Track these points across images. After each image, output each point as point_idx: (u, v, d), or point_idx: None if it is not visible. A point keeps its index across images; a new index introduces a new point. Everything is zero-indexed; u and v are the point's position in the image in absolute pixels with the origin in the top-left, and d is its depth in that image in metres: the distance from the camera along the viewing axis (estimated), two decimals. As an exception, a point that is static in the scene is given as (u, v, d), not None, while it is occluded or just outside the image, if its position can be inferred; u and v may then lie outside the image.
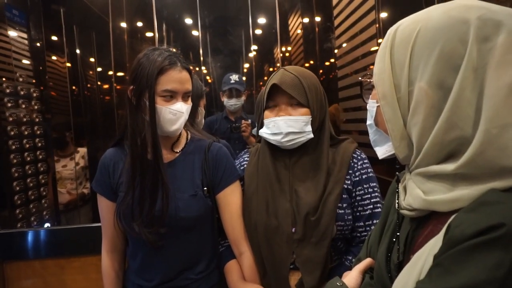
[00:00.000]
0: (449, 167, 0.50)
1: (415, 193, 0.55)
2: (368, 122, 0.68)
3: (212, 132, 2.36)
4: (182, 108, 1.00)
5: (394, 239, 0.64)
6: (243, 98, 2.41)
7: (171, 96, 0.99)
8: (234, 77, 2.38)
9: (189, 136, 1.12)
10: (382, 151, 0.66)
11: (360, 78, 0.69)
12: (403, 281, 0.52)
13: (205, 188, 1.05)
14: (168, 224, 1.00)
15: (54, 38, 2.40)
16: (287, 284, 0.99)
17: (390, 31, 0.58)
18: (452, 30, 0.50)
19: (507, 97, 0.46)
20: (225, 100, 2.42)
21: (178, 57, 1.01)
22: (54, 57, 2.37)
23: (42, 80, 2.19)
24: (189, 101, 1.04)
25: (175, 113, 0.99)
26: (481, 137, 0.47)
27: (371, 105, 0.66)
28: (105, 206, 1.08)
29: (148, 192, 0.99)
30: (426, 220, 0.56)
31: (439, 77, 0.50)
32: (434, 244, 0.49)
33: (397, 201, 0.61)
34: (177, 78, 0.99)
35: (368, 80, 0.66)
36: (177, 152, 1.09)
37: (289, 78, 1.01)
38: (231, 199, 1.08)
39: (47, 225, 1.94)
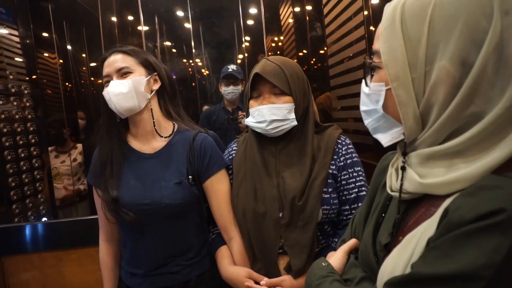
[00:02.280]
0: (453, 142, 0.49)
1: (410, 177, 0.54)
2: (366, 108, 0.61)
3: (210, 123, 2.39)
4: (115, 83, 1.04)
5: (381, 220, 0.64)
6: (240, 87, 2.43)
7: (108, 80, 1.06)
8: (232, 67, 2.40)
9: (175, 127, 1.15)
10: (388, 138, 0.59)
11: (364, 60, 0.61)
12: (393, 263, 0.52)
13: (190, 177, 1.08)
14: (153, 211, 1.04)
15: (44, 34, 2.40)
16: (277, 267, 1.03)
17: (395, 6, 0.54)
18: (474, 3, 0.47)
19: None
20: (223, 89, 2.44)
21: (120, 46, 1.09)
22: (45, 54, 2.37)
23: (34, 77, 2.20)
24: (131, 75, 1.06)
25: (112, 91, 1.03)
26: (497, 113, 0.46)
27: (376, 89, 0.58)
28: (99, 197, 1.11)
29: (108, 179, 1.07)
30: (417, 203, 0.56)
31: (461, 54, 0.48)
32: (428, 227, 0.49)
33: (394, 182, 0.59)
34: (108, 63, 1.07)
35: (371, 61, 0.58)
36: (163, 141, 1.12)
37: (271, 67, 1.03)
38: (218, 187, 1.11)
39: (44, 219, 1.97)
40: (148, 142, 1.12)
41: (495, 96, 0.47)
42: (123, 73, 1.06)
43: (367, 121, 0.62)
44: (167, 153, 1.10)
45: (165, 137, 1.12)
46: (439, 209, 0.49)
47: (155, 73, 1.11)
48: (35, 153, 2.04)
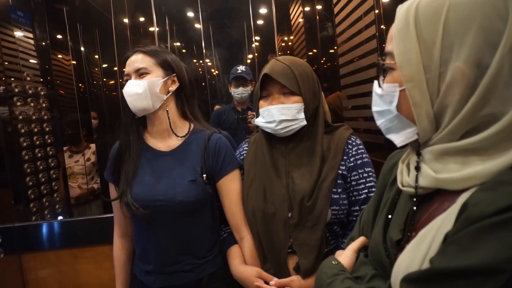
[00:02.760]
0: (469, 140, 0.50)
1: (425, 172, 0.55)
2: (379, 109, 0.61)
3: (220, 123, 2.42)
4: (131, 84, 1.08)
5: (390, 218, 0.64)
6: (250, 88, 2.45)
7: (127, 79, 1.10)
8: (241, 68, 2.42)
9: (191, 127, 1.17)
10: (401, 138, 0.59)
11: (377, 61, 0.61)
12: (409, 259, 0.52)
13: (204, 175, 1.10)
14: (166, 208, 1.06)
15: (58, 36, 2.45)
16: (286, 267, 1.03)
17: (409, 8, 0.54)
18: (489, 6, 0.48)
19: None
20: (232, 90, 2.46)
21: (144, 47, 1.12)
22: (59, 56, 2.42)
23: (48, 78, 2.25)
24: (147, 76, 1.09)
25: (127, 92, 1.07)
26: None
27: (389, 89, 0.58)
28: (115, 193, 1.15)
29: (124, 173, 1.10)
30: (429, 198, 0.56)
31: (477, 55, 0.49)
32: (444, 222, 0.49)
33: (406, 177, 0.59)
34: (128, 62, 1.10)
35: (385, 62, 0.59)
36: (179, 137, 1.14)
37: (279, 67, 1.04)
38: (230, 186, 1.13)
39: (60, 217, 2.02)
40: (164, 140, 1.15)
41: (511, 97, 0.48)
42: (140, 73, 1.09)
43: (380, 122, 0.63)
44: (182, 151, 1.13)
45: (180, 137, 1.15)
46: (455, 203, 0.49)
47: (174, 74, 1.13)
48: (51, 153, 2.09)
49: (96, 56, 2.60)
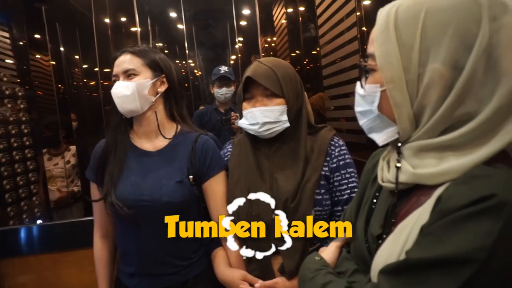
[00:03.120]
0: (446, 137, 0.52)
1: (404, 168, 0.57)
2: (361, 109, 0.63)
3: (202, 124, 2.41)
4: (120, 84, 1.07)
5: (371, 213, 0.66)
6: (233, 88, 2.44)
7: (115, 80, 1.09)
8: (224, 68, 2.41)
9: (178, 128, 1.17)
10: (383, 137, 0.62)
11: (358, 63, 0.64)
12: (387, 252, 0.54)
13: (191, 176, 1.10)
14: (152, 208, 1.05)
15: (37, 36, 2.40)
16: (271, 269, 1.04)
17: (389, 12, 0.57)
18: (464, 10, 0.51)
19: None
20: (215, 90, 2.45)
21: (132, 47, 1.11)
22: (38, 56, 2.37)
23: (26, 79, 2.20)
24: (135, 78, 1.08)
25: (115, 94, 1.07)
26: (489, 112, 0.49)
27: (371, 90, 0.60)
28: (97, 192, 1.14)
29: (112, 175, 1.09)
30: (407, 194, 0.58)
31: (453, 57, 0.51)
32: (420, 215, 0.51)
33: (386, 174, 0.62)
34: (117, 63, 1.09)
35: (367, 64, 0.61)
36: (166, 139, 1.14)
37: (262, 69, 1.04)
38: (216, 188, 1.13)
39: (39, 221, 1.97)
40: (151, 141, 1.14)
41: (485, 97, 0.50)
42: (128, 74, 1.08)
43: (362, 121, 0.65)
44: (169, 152, 1.12)
45: (168, 138, 1.14)
46: (431, 197, 0.51)
47: (163, 75, 1.13)
48: (29, 155, 2.04)
49: (77, 57, 2.55)
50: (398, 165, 0.58)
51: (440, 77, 0.52)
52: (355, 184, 1.07)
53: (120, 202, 1.05)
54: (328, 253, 0.74)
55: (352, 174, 1.08)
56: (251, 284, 1.02)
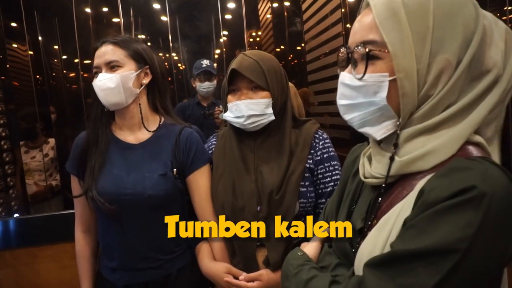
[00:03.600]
0: (429, 121, 0.54)
1: (386, 161, 0.57)
2: (353, 101, 0.59)
3: (184, 118, 2.38)
4: (103, 77, 1.04)
5: (353, 208, 0.67)
6: (215, 81, 2.42)
7: (96, 72, 1.06)
8: (206, 62, 2.39)
9: (161, 120, 1.15)
10: (382, 130, 0.58)
11: (363, 48, 0.56)
12: (372, 244, 0.55)
13: (175, 170, 1.08)
14: (134, 202, 1.04)
15: (13, 24, 2.31)
16: (255, 261, 1.04)
17: None
18: (465, 5, 0.53)
19: (496, 74, 0.54)
20: (197, 84, 2.42)
21: (113, 37, 1.08)
22: (14, 45, 2.28)
23: (2, 68, 2.11)
24: (120, 70, 1.06)
25: (99, 86, 1.04)
26: (466, 102, 0.53)
27: (377, 79, 0.56)
28: (77, 186, 1.11)
29: (93, 169, 1.07)
30: (389, 188, 0.59)
31: (459, 49, 0.53)
32: (403, 208, 0.52)
33: (368, 169, 0.62)
34: (98, 54, 1.06)
35: (375, 50, 0.56)
36: (150, 132, 1.12)
37: (247, 62, 1.04)
38: (200, 182, 1.12)
39: (16, 215, 1.91)
40: (134, 133, 1.12)
41: (466, 89, 0.54)
42: (112, 66, 1.05)
43: (353, 115, 0.60)
44: (152, 145, 1.10)
45: (151, 131, 1.12)
46: (413, 191, 0.53)
47: (146, 67, 1.10)
48: (5, 147, 1.97)
49: (56, 47, 2.47)
50: (391, 158, 0.58)
51: (450, 67, 0.53)
52: (338, 176, 1.08)
53: (102, 196, 1.03)
54: (311, 248, 0.75)
55: (336, 167, 1.09)
56: (236, 277, 1.02)
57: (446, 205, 0.46)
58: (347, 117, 0.62)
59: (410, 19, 0.53)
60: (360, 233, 0.62)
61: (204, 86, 2.40)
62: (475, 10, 0.53)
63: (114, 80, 1.03)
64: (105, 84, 1.03)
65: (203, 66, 2.37)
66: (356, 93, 0.58)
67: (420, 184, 0.52)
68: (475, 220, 0.44)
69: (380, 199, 0.60)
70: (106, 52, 1.05)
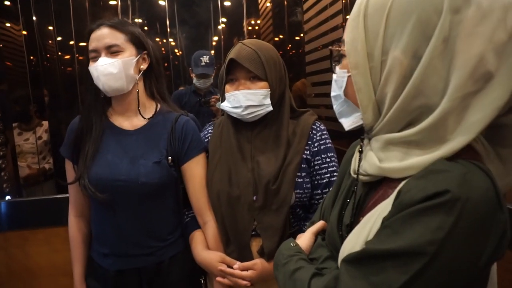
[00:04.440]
0: (408, 132, 0.53)
1: (371, 160, 0.58)
2: (334, 93, 0.66)
3: (181, 106, 2.36)
4: (104, 61, 1.01)
5: (347, 203, 0.68)
6: (212, 78, 2.42)
7: (95, 56, 1.03)
8: (205, 59, 2.35)
9: (158, 107, 1.13)
10: (349, 123, 0.64)
11: (330, 48, 0.65)
12: (353, 241, 0.56)
13: (170, 158, 1.07)
14: (128, 189, 1.03)
15: (6, 3, 2.25)
16: (249, 250, 1.05)
17: (362, 0, 0.58)
18: (428, 0, 0.51)
19: (474, 68, 0.48)
20: (194, 79, 2.41)
21: (110, 20, 1.05)
22: (8, 24, 2.23)
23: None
24: (121, 55, 1.03)
25: (99, 69, 1.01)
26: (446, 105, 0.49)
27: (341, 75, 0.63)
28: (72, 170, 1.09)
29: (86, 156, 1.05)
30: (378, 185, 0.60)
31: (413, 46, 0.51)
32: (384, 208, 0.52)
33: (357, 165, 0.63)
34: (96, 36, 1.03)
35: (338, 49, 0.63)
36: (145, 119, 1.10)
37: (246, 52, 1.02)
38: (196, 170, 1.11)
39: (8, 197, 1.89)
40: (129, 120, 1.10)
41: (444, 88, 0.50)
42: (112, 51, 1.02)
43: (334, 106, 0.67)
44: (148, 131, 1.09)
45: (147, 118, 1.11)
46: (395, 191, 0.53)
47: (145, 52, 1.08)
48: (-2, 128, 1.94)
49: (51, 28, 2.42)
50: (360, 151, 0.59)
51: (399, 65, 0.52)
52: (335, 168, 1.08)
53: (96, 182, 1.02)
54: (304, 239, 0.76)
55: (333, 159, 1.09)
56: (230, 266, 1.03)
57: (419, 208, 0.46)
58: (333, 107, 0.68)
59: (366, 19, 0.56)
60: (348, 229, 0.63)
61: (200, 82, 2.39)
62: (441, 2, 0.50)
63: (116, 66, 1.01)
64: (107, 69, 1.00)
65: (201, 64, 2.34)
66: (335, 86, 0.65)
67: (401, 184, 0.52)
68: (446, 224, 0.44)
69: (365, 195, 0.62)
70: (105, 35, 1.02)
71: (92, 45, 1.03)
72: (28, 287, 1.53)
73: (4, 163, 1.98)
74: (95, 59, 1.03)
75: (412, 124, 0.54)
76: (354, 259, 0.52)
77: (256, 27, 2.84)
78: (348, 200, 0.68)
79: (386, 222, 0.50)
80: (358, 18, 0.57)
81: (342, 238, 0.64)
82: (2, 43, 2.14)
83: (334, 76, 0.65)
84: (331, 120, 2.31)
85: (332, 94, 0.67)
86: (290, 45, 2.72)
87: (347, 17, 2.13)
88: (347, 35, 0.59)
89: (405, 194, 0.49)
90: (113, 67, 1.01)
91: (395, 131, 0.55)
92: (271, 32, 2.79)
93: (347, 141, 1.93)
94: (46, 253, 1.51)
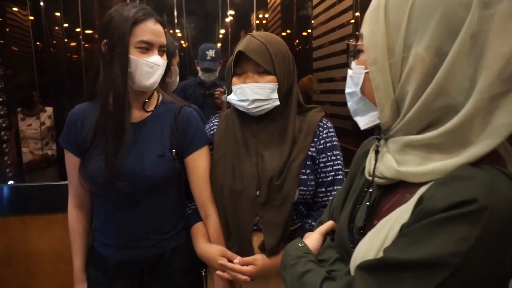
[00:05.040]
0: (429, 134, 0.50)
1: (388, 162, 0.55)
2: (349, 90, 0.63)
3: (185, 97, 2.35)
4: (159, 61, 1.00)
5: (358, 205, 0.65)
6: (217, 72, 2.41)
7: (147, 48, 0.99)
8: (210, 53, 2.33)
9: (160, 98, 1.12)
10: (364, 121, 0.61)
11: (346, 42, 0.62)
12: (367, 246, 0.53)
13: (173, 150, 1.06)
14: (133, 183, 1.01)
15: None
16: (250, 244, 1.04)
17: None
18: None
19: (504, 67, 0.45)
20: (199, 72, 2.40)
21: (151, 11, 1.01)
22: (15, 8, 2.22)
23: (1, 32, 2.06)
24: (165, 57, 1.03)
25: (151, 66, 0.98)
26: (472, 106, 0.46)
27: (357, 71, 0.59)
28: (72, 162, 1.07)
29: (110, 148, 0.99)
30: (394, 188, 0.56)
31: (437, 42, 0.48)
32: (402, 213, 0.50)
33: (373, 166, 0.60)
34: (152, 29, 0.99)
35: (355, 43, 0.59)
36: (148, 112, 1.08)
37: (255, 45, 1.01)
38: (199, 163, 1.10)
39: (10, 182, 1.89)
40: (133, 112, 1.07)
41: (470, 88, 0.47)
42: (163, 50, 1.02)
43: (349, 104, 0.64)
44: (151, 123, 1.07)
45: (149, 110, 1.09)
46: (414, 196, 0.50)
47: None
48: (2, 112, 1.94)
49: (58, 14, 2.40)
50: (376, 151, 0.56)
51: (422, 62, 0.49)
52: (340, 166, 1.07)
53: (98, 175, 0.99)
54: (312, 240, 0.73)
55: (338, 157, 1.08)
56: (230, 261, 1.02)
57: (443, 217, 0.44)
58: (348, 104, 0.65)
59: (387, 11, 0.52)
60: (361, 232, 0.61)
61: (205, 76, 2.39)
62: None
63: (163, 68, 1.01)
64: (158, 68, 1.00)
65: (207, 58, 2.33)
66: (351, 82, 0.62)
67: (422, 189, 0.50)
68: (472, 236, 0.42)
69: (383, 199, 0.59)
70: (161, 33, 1.01)
71: (147, 36, 0.97)
72: (27, 272, 1.54)
73: (7, 147, 1.97)
74: (146, 52, 0.98)
75: (432, 125, 0.51)
76: (370, 267, 0.50)
77: (264, 21, 2.81)
78: (360, 202, 0.65)
79: (406, 230, 0.48)
80: (378, 10, 0.53)
81: (353, 241, 0.62)
82: (8, 28, 2.13)
83: (350, 72, 0.62)
84: (337, 118, 2.29)
85: (347, 90, 0.63)
86: (297, 40, 2.70)
87: (357, 14, 2.10)
88: (365, 29, 0.55)
89: (427, 201, 0.46)
90: (162, 69, 1.02)
91: (414, 132, 0.52)
92: (279, 26, 2.77)
93: (352, 139, 1.92)
94: (47, 238, 1.51)
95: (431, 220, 0.44)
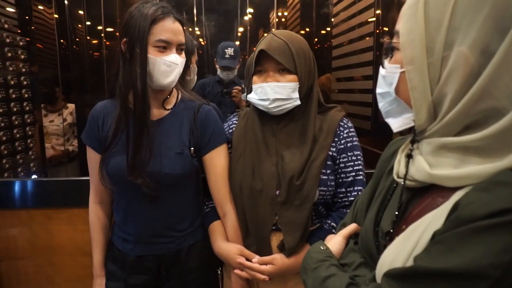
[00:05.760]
0: (469, 137, 0.47)
1: (419, 165, 0.52)
2: (381, 90, 0.60)
3: (204, 95, 2.36)
4: (176, 59, 1.00)
5: (384, 207, 0.63)
6: (236, 70, 2.41)
7: (164, 47, 0.99)
8: (229, 51, 2.33)
9: (179, 96, 1.12)
10: (398, 124, 0.58)
11: (381, 40, 0.61)
12: (395, 252, 0.51)
13: (192, 148, 1.07)
14: (152, 180, 1.02)
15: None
16: (268, 244, 1.03)
17: None
18: None
19: None
20: (218, 70, 2.41)
21: (171, 9, 1.01)
22: (40, 7, 2.27)
23: (28, 29, 2.11)
24: (183, 55, 1.03)
25: (169, 65, 0.99)
26: None
27: (391, 71, 0.56)
28: (93, 158, 1.09)
29: (131, 146, 1.00)
30: (424, 192, 0.54)
31: (484, 40, 0.45)
32: (434, 219, 0.47)
33: (404, 169, 0.57)
34: (170, 28, 0.99)
35: (390, 41, 0.56)
36: (167, 110, 1.09)
37: (277, 43, 1.00)
38: (217, 161, 1.10)
39: (34, 176, 1.95)
40: (152, 110, 1.08)
41: None
42: (181, 49, 1.03)
43: (381, 104, 0.61)
44: (170, 121, 1.08)
45: (169, 108, 1.10)
46: (448, 201, 0.48)
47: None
48: (27, 108, 1.99)
49: (81, 12, 2.45)
50: (409, 155, 0.54)
51: (465, 62, 0.46)
52: (360, 167, 1.05)
53: (118, 172, 1.01)
54: (335, 243, 0.71)
55: (359, 157, 1.06)
56: (248, 259, 1.02)
57: (482, 225, 0.41)
58: (379, 105, 0.62)
59: (426, 7, 0.49)
60: (387, 236, 0.58)
61: (224, 74, 2.39)
62: None
63: (181, 66, 1.01)
64: (175, 67, 1.00)
65: (226, 56, 2.33)
66: (383, 82, 0.59)
67: (457, 195, 0.47)
68: None
69: (407, 201, 0.57)
70: (180, 31, 1.01)
71: (165, 35, 0.97)
72: (49, 263, 1.58)
73: (32, 142, 2.03)
74: (163, 51, 0.99)
75: (471, 128, 0.48)
76: (400, 275, 0.47)
77: (283, 19, 2.80)
78: (386, 205, 0.63)
79: (439, 237, 0.45)
80: (416, 5, 0.50)
81: (379, 245, 0.60)
82: (34, 26, 2.18)
83: (383, 71, 0.59)
84: (355, 117, 2.26)
85: (379, 91, 0.60)
86: (316, 38, 2.67)
87: (378, 11, 2.07)
88: (402, 26, 0.52)
89: (465, 207, 0.43)
90: (180, 67, 1.02)
91: (450, 135, 0.50)
92: (298, 24, 2.75)
93: (371, 139, 1.89)
94: (68, 232, 1.55)
95: (469, 227, 0.42)
